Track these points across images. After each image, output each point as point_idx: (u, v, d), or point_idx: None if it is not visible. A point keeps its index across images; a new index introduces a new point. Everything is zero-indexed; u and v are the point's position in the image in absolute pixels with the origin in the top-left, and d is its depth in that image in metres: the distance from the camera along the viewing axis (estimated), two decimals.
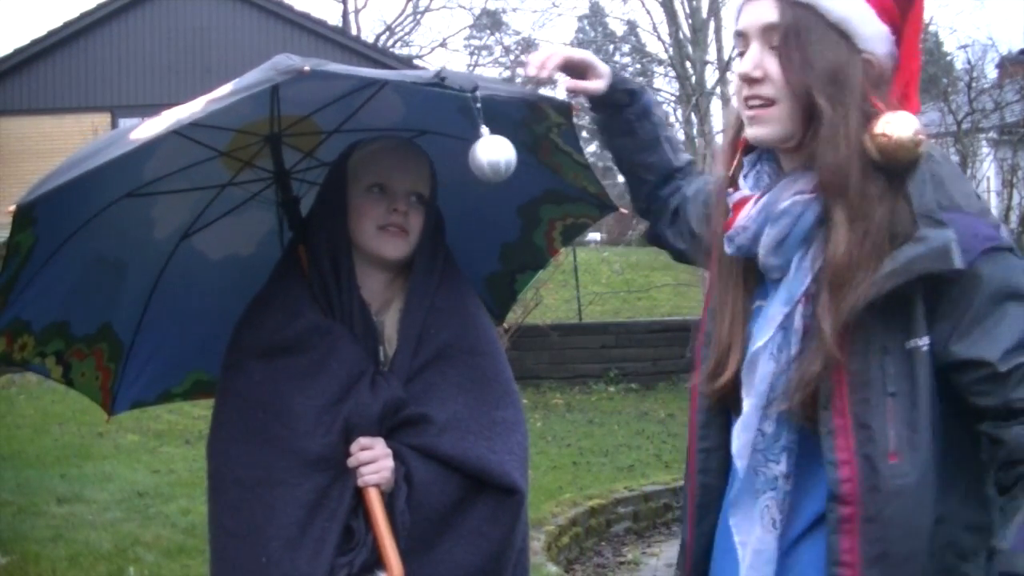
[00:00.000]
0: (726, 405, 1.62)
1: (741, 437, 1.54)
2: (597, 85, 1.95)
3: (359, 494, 1.88)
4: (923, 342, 1.43)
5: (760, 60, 1.52)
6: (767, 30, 1.51)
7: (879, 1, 1.50)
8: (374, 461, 1.87)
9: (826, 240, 1.47)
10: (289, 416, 1.89)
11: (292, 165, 2.17)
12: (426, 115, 2.14)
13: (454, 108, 2.06)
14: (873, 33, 1.50)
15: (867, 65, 1.48)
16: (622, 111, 1.98)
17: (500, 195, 2.26)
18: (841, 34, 1.48)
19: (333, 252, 1.97)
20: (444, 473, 1.90)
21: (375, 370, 1.94)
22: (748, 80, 1.53)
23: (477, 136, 1.74)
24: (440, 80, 1.75)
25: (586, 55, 1.96)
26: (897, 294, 1.42)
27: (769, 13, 1.51)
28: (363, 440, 1.87)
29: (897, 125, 1.43)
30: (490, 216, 2.32)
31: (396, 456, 1.89)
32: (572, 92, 1.98)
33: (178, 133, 1.85)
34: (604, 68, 1.96)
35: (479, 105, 1.73)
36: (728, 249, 1.59)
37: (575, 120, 2.05)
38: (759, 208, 1.55)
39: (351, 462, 1.87)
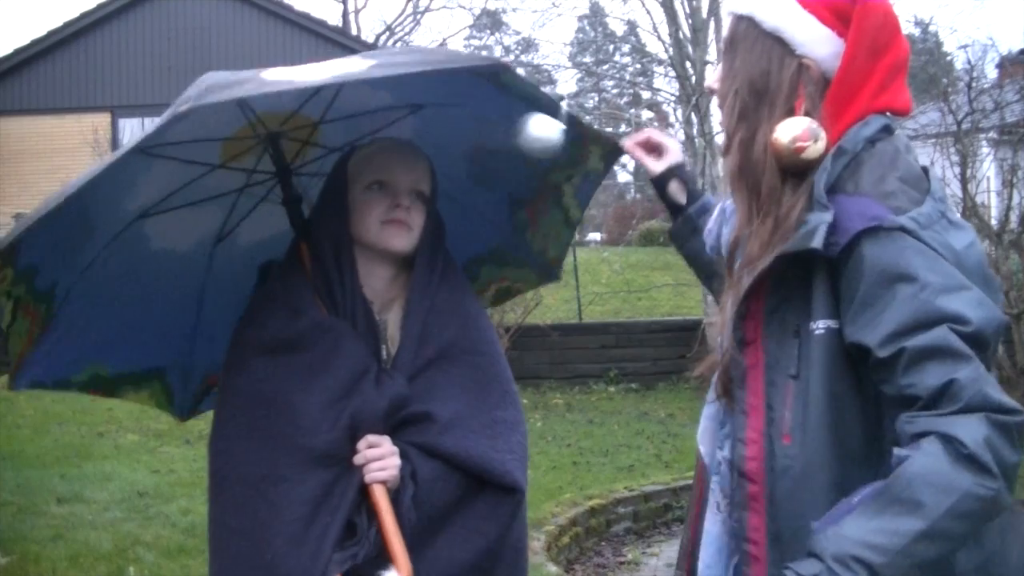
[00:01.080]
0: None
1: (702, 423, 1.64)
2: (652, 165, 2.03)
3: (363, 491, 1.88)
4: (820, 325, 1.45)
5: (716, 72, 1.66)
6: (725, 44, 1.64)
7: (816, 8, 1.55)
8: (382, 458, 1.87)
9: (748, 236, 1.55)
10: (292, 413, 1.89)
11: (290, 163, 2.15)
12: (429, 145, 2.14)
13: (459, 152, 2.13)
14: (812, 37, 1.54)
15: (804, 68, 1.54)
16: (684, 211, 2.02)
17: (452, 248, 2.22)
18: (776, 40, 1.55)
19: (336, 250, 1.98)
20: (447, 471, 1.91)
21: (379, 367, 1.95)
22: (709, 91, 1.68)
23: (557, 113, 1.89)
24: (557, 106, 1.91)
25: (666, 140, 2.04)
26: (800, 278, 1.46)
27: (727, 29, 1.64)
28: (371, 438, 1.88)
29: (780, 131, 1.50)
30: None
31: (401, 454, 1.89)
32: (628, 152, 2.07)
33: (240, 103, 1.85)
34: (675, 156, 2.05)
35: (566, 110, 1.89)
36: (710, 252, 1.69)
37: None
38: (719, 210, 1.67)
39: (358, 459, 1.87)
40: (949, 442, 1.31)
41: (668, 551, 5.84)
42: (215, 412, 2.03)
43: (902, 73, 1.57)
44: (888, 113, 1.57)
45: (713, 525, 1.60)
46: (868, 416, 1.43)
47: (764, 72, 1.55)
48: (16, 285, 1.95)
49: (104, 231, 2.09)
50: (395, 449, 1.89)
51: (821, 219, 1.43)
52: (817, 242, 1.41)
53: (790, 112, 1.52)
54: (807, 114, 1.51)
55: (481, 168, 2.19)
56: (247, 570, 1.88)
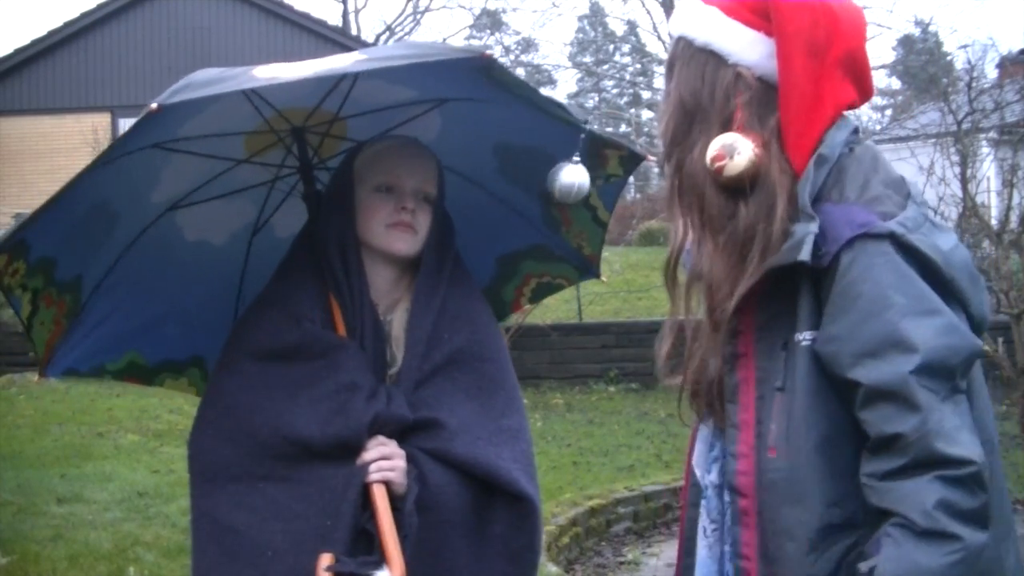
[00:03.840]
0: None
1: (696, 447, 1.61)
2: None
3: (367, 497, 1.87)
4: (805, 336, 1.42)
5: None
6: (665, 67, 1.63)
7: (739, 12, 1.53)
8: (390, 458, 1.87)
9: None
10: (277, 423, 1.89)
11: (323, 156, 2.17)
12: (454, 148, 2.14)
13: (488, 147, 2.12)
14: (741, 43, 1.52)
15: (739, 77, 1.52)
16: None
17: (482, 242, 2.26)
18: (710, 54, 1.54)
19: (342, 250, 1.97)
20: (456, 477, 1.91)
21: (376, 381, 1.93)
22: None
23: (570, 160, 1.91)
24: (560, 105, 1.92)
25: None
26: (787, 290, 1.43)
27: (668, 52, 1.63)
28: (381, 437, 1.88)
29: (708, 150, 1.49)
30: (466, 260, 2.24)
31: (409, 459, 1.89)
32: None
33: (244, 94, 1.86)
34: None
35: (584, 136, 1.90)
36: (687, 270, 1.63)
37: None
38: None
39: (366, 456, 1.86)
40: (904, 526, 1.31)
41: (668, 551, 5.84)
42: (200, 408, 2.02)
43: (857, 63, 1.52)
44: (850, 107, 1.54)
45: (702, 550, 1.58)
46: (858, 428, 1.39)
47: (694, 91, 1.54)
48: (32, 277, 1.98)
49: (130, 223, 2.11)
50: (402, 452, 1.89)
51: (807, 230, 1.40)
52: (804, 254, 1.38)
53: (726, 123, 1.50)
54: (744, 123, 1.49)
55: (510, 165, 2.20)
56: (245, 567, 1.87)
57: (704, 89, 1.53)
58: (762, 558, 1.44)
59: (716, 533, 1.56)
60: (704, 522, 1.58)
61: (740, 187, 1.47)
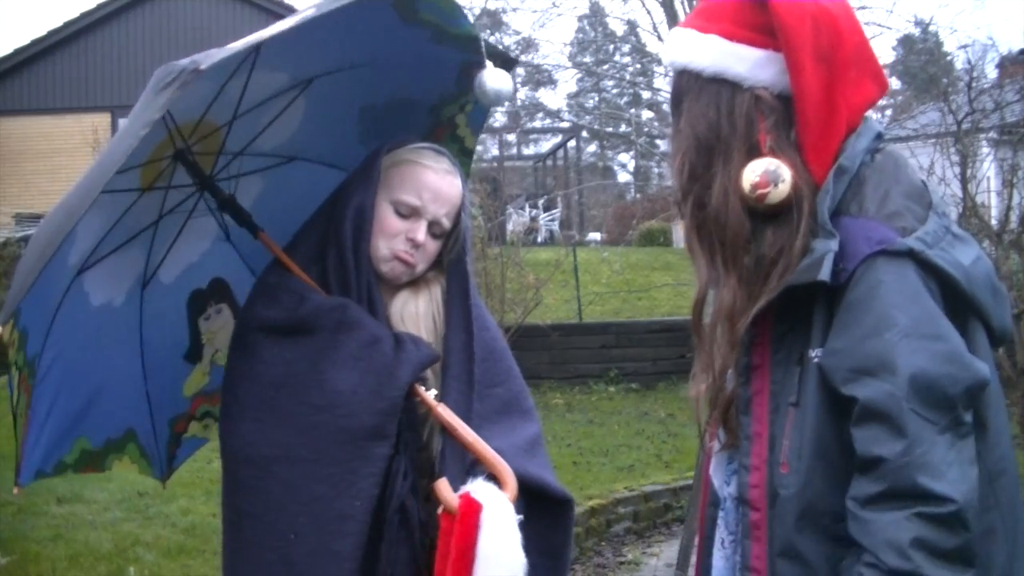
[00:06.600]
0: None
1: (714, 458, 1.59)
2: None
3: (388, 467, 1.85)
4: (816, 353, 1.40)
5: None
6: (671, 104, 1.59)
7: (741, 34, 1.49)
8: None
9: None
10: (306, 393, 1.87)
11: (212, 172, 2.09)
12: (317, 130, 2.12)
13: (354, 113, 2.12)
14: (751, 65, 1.48)
15: (757, 100, 1.48)
16: None
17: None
18: (722, 83, 1.49)
19: (358, 222, 1.96)
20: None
21: (390, 329, 1.94)
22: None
23: (482, 67, 1.97)
24: (463, 16, 1.98)
25: None
26: (805, 305, 1.40)
27: (671, 87, 1.59)
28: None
29: (744, 176, 1.45)
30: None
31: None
32: None
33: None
34: None
35: (482, 48, 1.96)
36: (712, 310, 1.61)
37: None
38: None
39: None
40: (874, 566, 1.29)
41: (668, 551, 5.84)
42: (222, 398, 2.01)
43: (863, 61, 1.49)
44: (871, 104, 1.51)
45: (718, 560, 1.57)
46: None
47: (711, 123, 1.49)
48: (19, 350, 1.87)
49: (53, 291, 1.96)
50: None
51: (827, 247, 1.38)
52: (824, 274, 1.36)
53: (752, 149, 1.46)
54: (772, 147, 1.45)
55: (373, 126, 2.18)
56: (266, 552, 1.85)
57: (722, 119, 1.48)
58: (771, 571, 1.42)
59: (733, 545, 1.54)
60: (722, 533, 1.56)
61: (777, 212, 1.44)
